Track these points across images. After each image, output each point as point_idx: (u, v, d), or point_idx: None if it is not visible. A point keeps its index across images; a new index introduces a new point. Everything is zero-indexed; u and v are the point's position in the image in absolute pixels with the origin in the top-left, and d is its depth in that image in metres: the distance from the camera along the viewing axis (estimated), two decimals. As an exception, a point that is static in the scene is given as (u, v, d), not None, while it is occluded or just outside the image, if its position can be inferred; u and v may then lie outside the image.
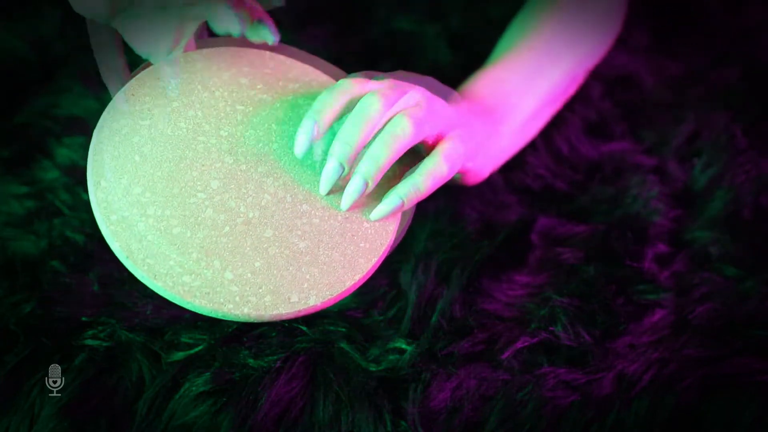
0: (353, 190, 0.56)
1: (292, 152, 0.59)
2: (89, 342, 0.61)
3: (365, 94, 0.57)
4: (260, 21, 0.57)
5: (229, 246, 0.55)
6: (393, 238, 0.59)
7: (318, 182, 0.58)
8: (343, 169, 0.56)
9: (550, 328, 0.63)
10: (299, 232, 0.56)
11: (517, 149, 0.71)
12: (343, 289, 0.56)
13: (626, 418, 0.59)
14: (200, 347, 0.61)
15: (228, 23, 0.55)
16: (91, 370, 0.59)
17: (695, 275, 0.67)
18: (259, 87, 0.61)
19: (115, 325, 0.62)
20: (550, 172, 0.73)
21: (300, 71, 0.63)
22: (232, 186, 0.57)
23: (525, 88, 0.69)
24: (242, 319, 0.54)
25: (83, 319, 0.62)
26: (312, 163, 0.59)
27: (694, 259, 0.68)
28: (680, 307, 0.65)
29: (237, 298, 0.54)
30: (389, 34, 0.83)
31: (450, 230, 0.68)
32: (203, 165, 0.57)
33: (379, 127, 0.57)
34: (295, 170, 0.58)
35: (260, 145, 0.59)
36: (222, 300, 0.54)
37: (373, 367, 0.61)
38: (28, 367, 0.59)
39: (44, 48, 0.81)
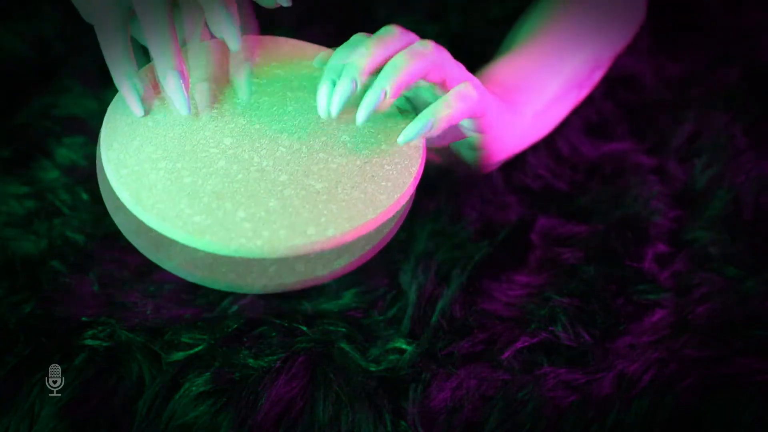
0: (370, 99, 0.54)
1: (308, 112, 0.59)
2: (89, 342, 0.61)
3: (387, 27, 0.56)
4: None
5: (242, 190, 0.54)
6: (417, 177, 0.57)
7: (332, 134, 0.57)
8: (356, 84, 0.54)
9: (550, 328, 0.63)
10: (316, 176, 0.55)
11: (542, 134, 0.70)
12: (364, 222, 0.54)
13: (626, 418, 0.59)
14: (200, 347, 0.61)
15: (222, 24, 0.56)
16: (91, 370, 0.59)
17: (695, 275, 0.67)
18: (273, 64, 0.62)
19: (115, 325, 0.62)
20: (550, 172, 0.73)
21: (315, 50, 0.63)
22: (246, 141, 0.57)
23: (547, 70, 0.68)
24: (255, 253, 0.52)
25: (83, 319, 0.62)
26: (327, 121, 0.58)
27: (694, 259, 0.68)
28: (680, 307, 0.65)
29: (250, 233, 0.52)
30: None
31: (450, 230, 0.68)
32: (216, 126, 0.57)
33: (398, 50, 0.55)
34: (311, 127, 0.58)
35: (274, 108, 0.59)
36: (234, 235, 0.52)
37: (373, 367, 0.61)
38: (28, 367, 0.59)
39: (44, 48, 0.81)
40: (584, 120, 0.77)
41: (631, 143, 0.76)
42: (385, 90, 0.54)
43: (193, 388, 0.59)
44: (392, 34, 0.56)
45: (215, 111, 0.58)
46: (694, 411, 0.59)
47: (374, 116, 0.59)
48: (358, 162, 0.56)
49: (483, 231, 0.69)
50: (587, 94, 0.74)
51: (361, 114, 0.55)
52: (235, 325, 0.62)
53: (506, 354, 0.61)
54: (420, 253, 0.67)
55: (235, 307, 0.64)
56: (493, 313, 0.64)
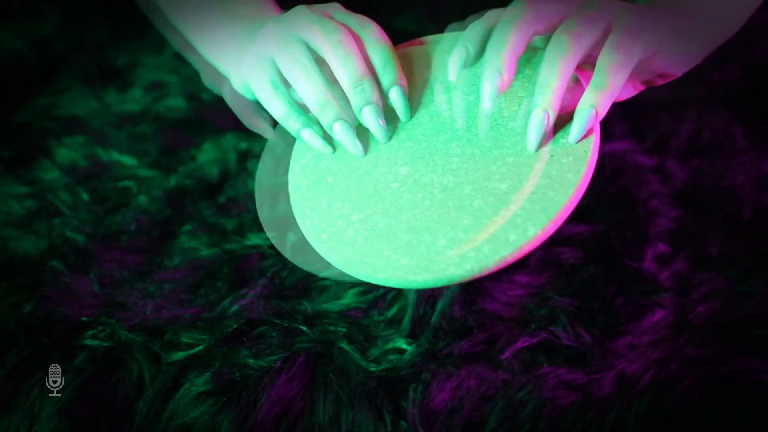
0: (535, 125, 0.54)
1: (466, 112, 0.58)
2: (89, 342, 0.61)
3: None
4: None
5: (434, 216, 0.54)
6: (597, 140, 0.55)
7: (499, 125, 0.57)
8: (548, 114, 0.54)
9: (550, 328, 0.63)
10: (497, 176, 0.55)
11: (722, 31, 0.65)
12: (559, 209, 0.53)
13: (626, 418, 0.59)
14: (200, 347, 0.61)
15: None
16: (91, 370, 0.59)
17: (695, 275, 0.67)
18: (411, 76, 0.61)
19: (115, 325, 0.62)
20: (550, 172, 0.73)
21: (435, 47, 0.63)
22: (420, 164, 0.57)
23: None
24: (468, 277, 0.52)
25: (83, 319, 0.62)
26: (490, 114, 0.58)
27: (694, 259, 0.68)
28: (680, 307, 0.65)
29: (456, 260, 0.52)
30: (389, 34, 0.82)
31: (450, 230, 0.68)
32: (388, 159, 0.58)
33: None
34: (475, 126, 0.58)
35: (434, 119, 0.59)
36: (443, 267, 0.52)
37: (373, 367, 0.61)
38: (28, 367, 0.59)
39: (44, 48, 0.81)
40: (584, 120, 0.77)
41: (631, 143, 0.76)
42: (546, 113, 0.54)
43: (193, 388, 0.59)
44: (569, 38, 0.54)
45: (382, 144, 0.58)
46: (694, 411, 0.59)
47: (532, 89, 0.57)
48: None
49: (483, 231, 0.69)
50: None
51: (531, 142, 0.55)
52: (235, 325, 0.62)
53: (506, 354, 0.61)
54: (420, 253, 0.67)
55: (235, 307, 0.64)
56: (493, 313, 0.64)
